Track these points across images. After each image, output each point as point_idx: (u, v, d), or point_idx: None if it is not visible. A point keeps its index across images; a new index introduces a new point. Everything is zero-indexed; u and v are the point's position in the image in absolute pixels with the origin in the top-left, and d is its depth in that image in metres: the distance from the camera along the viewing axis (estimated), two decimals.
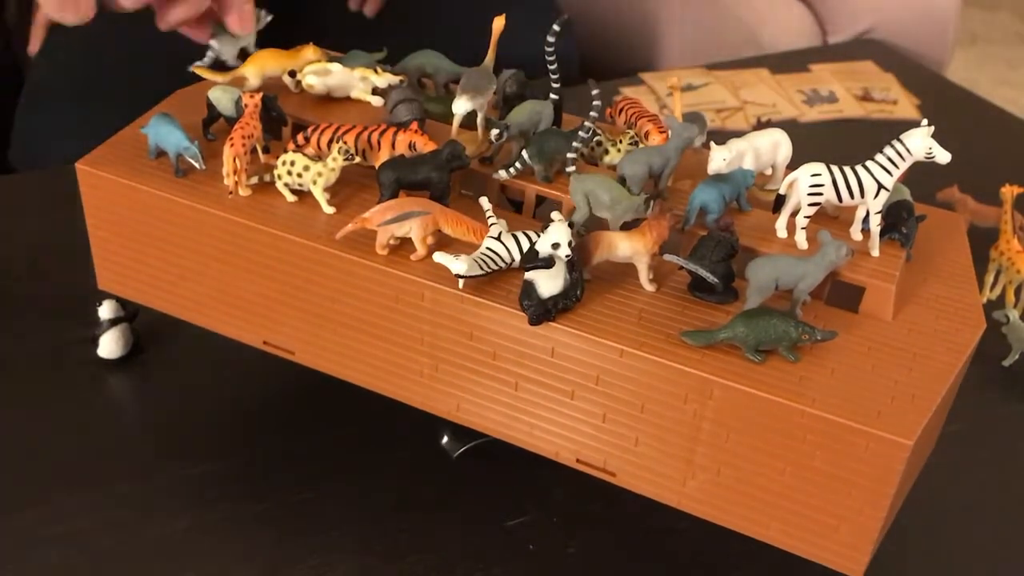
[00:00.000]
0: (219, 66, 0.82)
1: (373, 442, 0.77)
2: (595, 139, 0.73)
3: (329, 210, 0.68)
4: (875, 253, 0.66)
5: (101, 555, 0.69)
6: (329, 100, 0.78)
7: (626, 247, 0.63)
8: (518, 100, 0.74)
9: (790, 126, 1.20)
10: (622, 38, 1.60)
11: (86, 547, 0.69)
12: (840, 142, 1.22)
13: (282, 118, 0.73)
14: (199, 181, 0.71)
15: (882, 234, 0.66)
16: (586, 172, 0.68)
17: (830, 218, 0.69)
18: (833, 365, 0.59)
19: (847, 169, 0.64)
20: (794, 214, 0.66)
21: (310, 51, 0.79)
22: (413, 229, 0.64)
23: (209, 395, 0.82)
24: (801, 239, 0.66)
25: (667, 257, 0.62)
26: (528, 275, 0.60)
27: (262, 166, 0.72)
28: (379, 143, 0.71)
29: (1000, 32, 3.38)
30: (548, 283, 0.60)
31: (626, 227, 0.65)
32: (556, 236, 0.59)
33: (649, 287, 0.64)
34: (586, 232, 0.64)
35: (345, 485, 0.74)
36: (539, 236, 0.60)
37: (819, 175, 0.64)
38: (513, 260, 0.63)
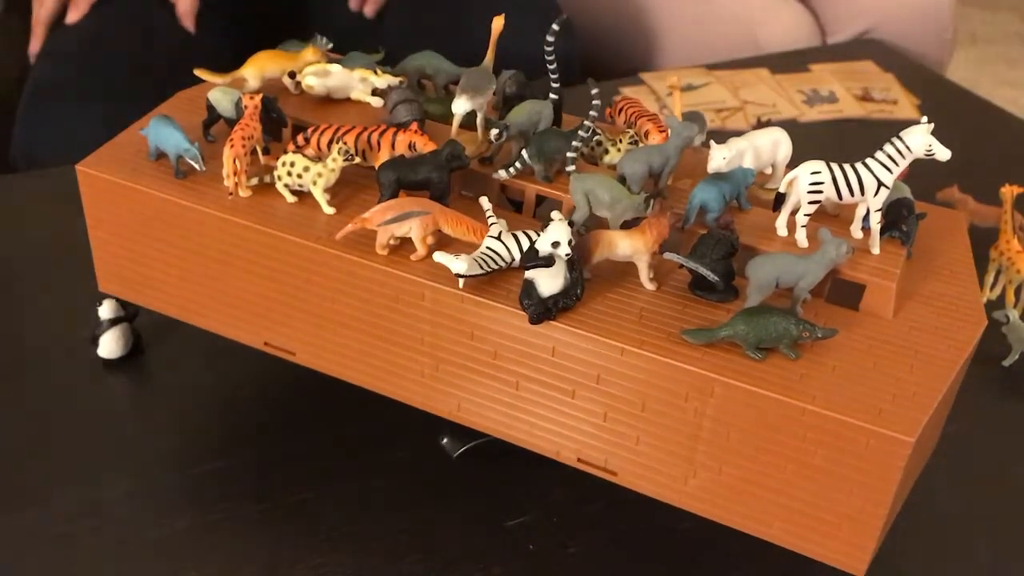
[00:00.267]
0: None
1: (373, 442, 0.77)
2: (595, 139, 0.73)
3: (329, 211, 0.68)
4: (875, 251, 0.66)
5: (101, 555, 0.69)
6: (329, 101, 0.78)
7: (626, 246, 0.63)
8: (518, 100, 0.74)
9: (790, 126, 1.20)
10: (622, 38, 1.60)
11: (86, 547, 0.69)
12: (840, 142, 1.22)
13: (282, 119, 0.73)
14: (199, 182, 0.71)
15: (882, 232, 0.66)
16: (586, 171, 0.68)
17: (830, 216, 0.69)
18: (834, 363, 0.59)
19: (847, 167, 0.64)
20: (794, 212, 0.66)
21: (310, 52, 0.79)
22: (413, 229, 0.64)
23: (209, 395, 0.82)
24: (801, 237, 0.66)
25: (667, 256, 0.62)
26: (528, 274, 0.60)
27: (262, 167, 0.72)
28: (379, 143, 0.71)
29: (1000, 32, 3.38)
30: (548, 282, 0.60)
31: (626, 226, 0.65)
32: (556, 235, 0.59)
33: (649, 286, 0.64)
34: (586, 231, 0.64)
35: (345, 485, 0.74)
36: (539, 235, 0.60)
37: (819, 173, 0.64)
38: (513, 259, 0.63)
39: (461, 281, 0.62)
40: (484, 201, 0.66)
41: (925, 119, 0.64)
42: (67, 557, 0.68)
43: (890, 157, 0.64)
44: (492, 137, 0.69)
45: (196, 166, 0.71)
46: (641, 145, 0.72)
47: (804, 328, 0.59)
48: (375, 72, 0.77)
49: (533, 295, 0.60)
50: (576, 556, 0.70)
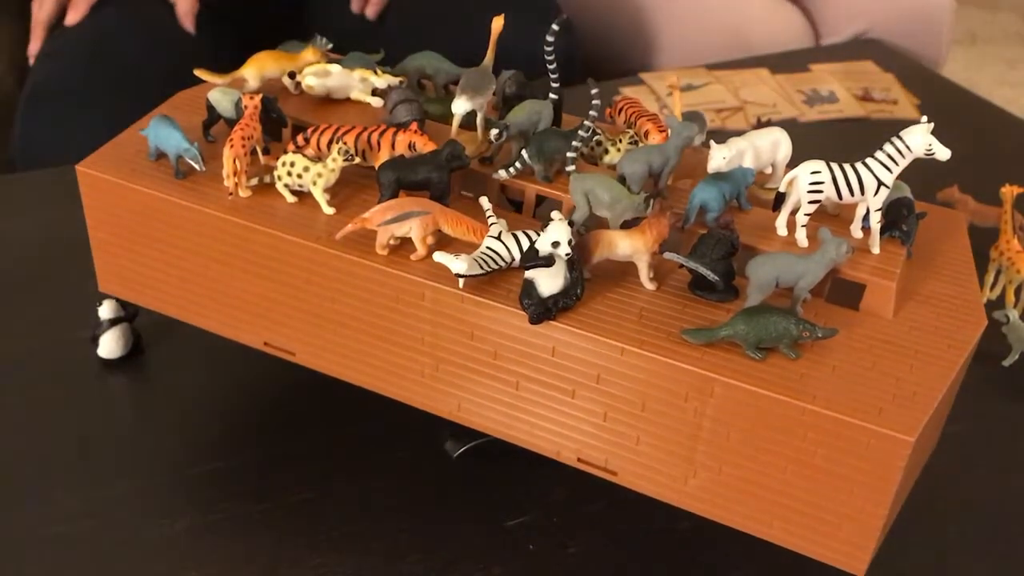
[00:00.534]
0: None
1: (373, 442, 0.77)
2: (595, 139, 0.73)
3: (329, 211, 0.68)
4: (875, 250, 0.66)
5: (101, 555, 0.69)
6: (329, 101, 0.78)
7: (626, 246, 0.63)
8: (518, 100, 0.74)
9: (790, 126, 1.20)
10: (622, 38, 1.60)
11: (86, 547, 0.69)
12: (840, 142, 1.22)
13: (282, 119, 0.73)
14: (199, 183, 0.71)
15: (882, 232, 0.66)
16: (586, 171, 0.68)
17: (830, 216, 0.69)
18: (834, 362, 0.59)
19: (847, 167, 0.64)
20: (794, 212, 0.66)
21: (310, 53, 0.79)
22: (413, 229, 0.64)
23: (209, 395, 0.82)
24: (801, 237, 0.66)
25: (667, 255, 0.62)
26: (528, 274, 0.60)
27: (262, 167, 0.72)
28: (379, 143, 0.71)
29: (1000, 32, 3.38)
30: (548, 282, 0.60)
31: (626, 226, 0.65)
32: (556, 235, 0.59)
33: (649, 285, 0.64)
34: (586, 231, 0.64)
35: (345, 485, 0.74)
36: (539, 235, 0.60)
37: (819, 172, 0.64)
38: (513, 259, 0.63)
39: (461, 281, 0.62)
40: (484, 201, 0.66)
41: (925, 119, 0.64)
42: (67, 557, 0.68)
43: (890, 157, 0.64)
44: (492, 137, 0.69)
45: (196, 166, 0.71)
46: (641, 145, 0.72)
47: (804, 328, 0.59)
48: (375, 72, 0.77)
49: (533, 295, 0.60)
50: (576, 556, 0.70)
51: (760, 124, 0.73)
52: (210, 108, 0.75)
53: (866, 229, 0.66)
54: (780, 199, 0.67)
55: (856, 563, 0.60)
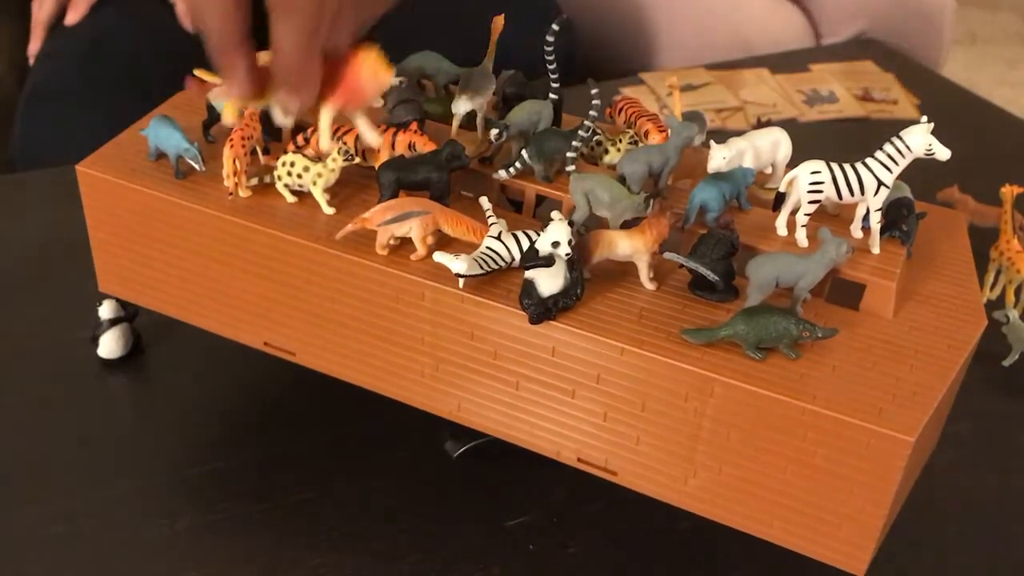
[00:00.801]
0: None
1: (373, 442, 0.77)
2: (595, 139, 0.73)
3: (329, 211, 0.68)
4: (875, 250, 0.66)
5: (101, 555, 0.69)
6: None
7: (626, 246, 0.63)
8: (518, 100, 0.74)
9: (790, 126, 1.20)
10: (622, 38, 1.60)
11: (86, 547, 0.69)
12: (840, 142, 1.22)
13: None
14: (199, 183, 0.71)
15: (882, 232, 0.66)
16: (586, 171, 0.68)
17: (830, 216, 0.69)
18: (834, 362, 0.59)
19: (847, 166, 0.64)
20: (794, 212, 0.66)
21: None
22: (413, 229, 0.64)
23: (209, 395, 0.82)
24: (801, 237, 0.66)
25: (667, 255, 0.62)
26: (528, 274, 0.60)
27: (262, 167, 0.72)
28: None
29: (1000, 32, 3.38)
30: (548, 282, 0.60)
31: (626, 226, 0.65)
32: (556, 235, 0.59)
33: (649, 285, 0.64)
34: (586, 231, 0.64)
35: (345, 485, 0.74)
36: (539, 235, 0.60)
37: (819, 172, 0.64)
38: (513, 259, 0.63)
39: (461, 281, 0.62)
40: (484, 201, 0.66)
41: (925, 119, 0.64)
42: (67, 557, 0.68)
43: (890, 157, 0.64)
44: (492, 137, 0.69)
45: (196, 166, 0.71)
46: (641, 145, 0.72)
47: (804, 328, 0.59)
48: None
49: (533, 295, 0.60)
50: (576, 556, 0.70)
51: (760, 124, 0.73)
52: (210, 108, 0.75)
53: (866, 229, 0.66)
54: (780, 199, 0.67)
55: (856, 563, 0.60)
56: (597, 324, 0.61)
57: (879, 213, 0.65)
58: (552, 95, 0.72)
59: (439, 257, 0.62)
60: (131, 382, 0.83)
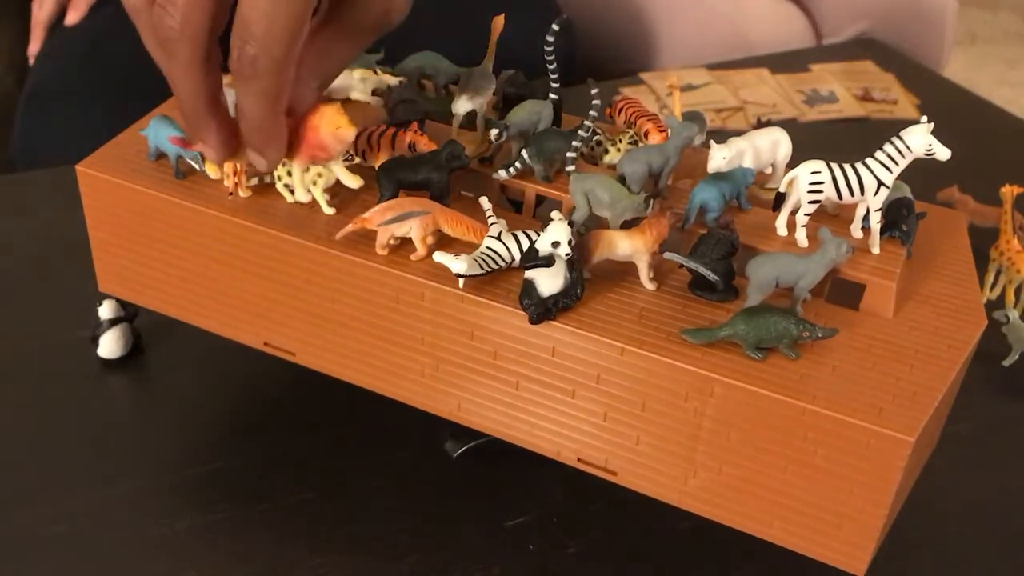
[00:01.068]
0: None
1: (373, 442, 0.77)
2: (595, 139, 0.73)
3: (329, 211, 0.68)
4: (875, 251, 0.66)
5: (101, 555, 0.69)
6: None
7: (626, 246, 0.63)
8: (518, 100, 0.74)
9: (790, 126, 1.20)
10: (622, 38, 1.60)
11: (86, 547, 0.69)
12: (840, 142, 1.22)
13: None
14: (199, 183, 0.71)
15: (882, 232, 0.66)
16: (586, 171, 0.68)
17: (830, 216, 0.69)
18: (834, 362, 0.59)
19: (847, 167, 0.64)
20: (794, 212, 0.66)
21: None
22: (413, 229, 0.64)
23: (209, 395, 0.82)
24: (801, 237, 0.66)
25: (667, 255, 0.62)
26: (528, 274, 0.60)
27: None
28: (379, 143, 0.70)
29: (1000, 32, 3.38)
30: (548, 282, 0.60)
31: (626, 226, 0.65)
32: (556, 235, 0.59)
33: (649, 285, 0.64)
34: (586, 231, 0.64)
35: (345, 485, 0.74)
36: (539, 235, 0.60)
37: (819, 172, 0.64)
38: (513, 259, 0.63)
39: (461, 281, 0.62)
40: (484, 201, 0.66)
41: (925, 119, 0.64)
42: (67, 557, 0.68)
43: (890, 157, 0.64)
44: (492, 137, 0.69)
45: (196, 166, 0.71)
46: (641, 145, 0.72)
47: (804, 328, 0.59)
48: (375, 72, 0.77)
49: (533, 295, 0.60)
50: (576, 556, 0.70)
51: (760, 124, 0.73)
52: None
53: (866, 229, 0.66)
54: (780, 199, 0.67)
55: (856, 563, 0.60)
56: (597, 324, 0.61)
57: (879, 213, 0.65)
58: (552, 95, 0.72)
59: (439, 257, 0.62)
60: (131, 382, 0.83)
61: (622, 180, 0.67)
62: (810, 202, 0.65)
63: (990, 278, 0.92)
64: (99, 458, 0.76)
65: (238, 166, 0.68)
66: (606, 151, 0.73)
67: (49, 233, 0.98)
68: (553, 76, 0.71)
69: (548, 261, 0.59)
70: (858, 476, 0.57)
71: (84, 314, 0.84)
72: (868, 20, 1.59)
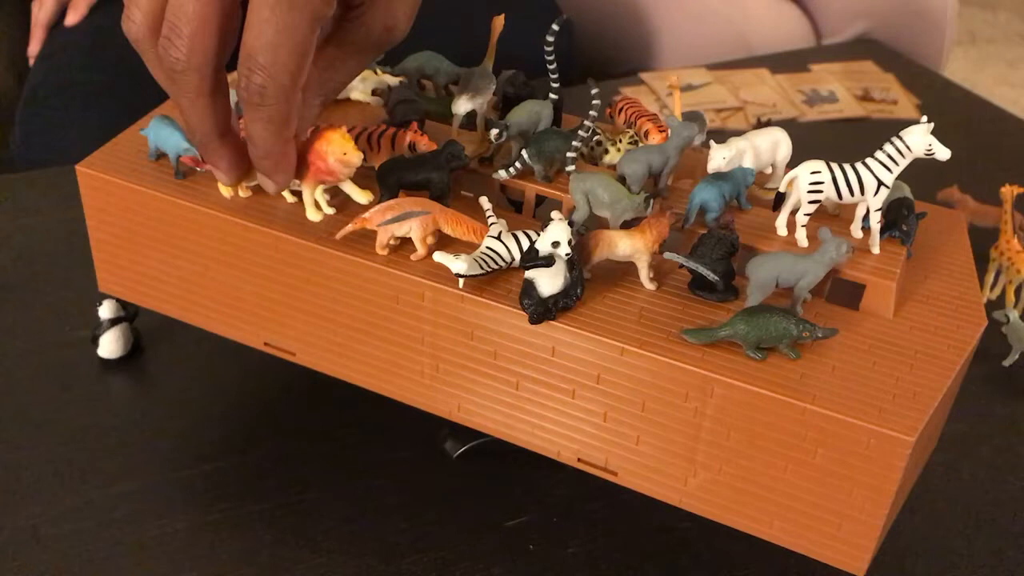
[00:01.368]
0: None
1: (373, 442, 0.77)
2: (595, 139, 0.73)
3: (329, 211, 0.68)
4: (876, 250, 0.66)
5: (101, 555, 0.69)
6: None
7: (626, 246, 0.63)
8: (518, 100, 0.74)
9: (790, 126, 1.20)
10: (622, 38, 1.61)
11: (86, 547, 0.69)
12: (840, 142, 1.22)
13: None
14: (199, 182, 0.71)
15: (882, 232, 0.66)
16: (586, 171, 0.68)
17: (830, 216, 0.69)
18: (834, 362, 0.59)
19: (847, 167, 0.64)
20: (794, 212, 0.66)
21: None
22: (413, 229, 0.64)
23: (209, 395, 0.82)
24: (801, 237, 0.66)
25: (667, 255, 0.62)
26: (528, 274, 0.60)
27: None
28: (379, 143, 0.71)
29: (1000, 32, 3.38)
30: (548, 282, 0.60)
31: (626, 226, 0.65)
32: (556, 235, 0.59)
33: (649, 285, 0.64)
34: (586, 231, 0.64)
35: (345, 485, 0.74)
36: (539, 235, 0.60)
37: (819, 172, 0.64)
38: (513, 259, 0.63)
39: (461, 281, 0.62)
40: (484, 201, 0.66)
41: (925, 119, 0.64)
42: (67, 557, 0.68)
43: (890, 157, 0.64)
44: (492, 137, 0.69)
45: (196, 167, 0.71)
46: (641, 145, 0.72)
47: (804, 328, 0.59)
48: (375, 71, 0.77)
49: (533, 295, 0.60)
50: (576, 556, 0.70)
51: (760, 124, 0.73)
52: None
53: (866, 229, 0.66)
54: (780, 199, 0.67)
55: (856, 563, 0.60)
56: (597, 324, 0.61)
57: (879, 213, 0.65)
58: (552, 95, 0.72)
59: (439, 257, 0.62)
60: (131, 382, 0.83)
61: (622, 180, 0.67)
62: (810, 202, 0.65)
63: (990, 278, 0.92)
64: (99, 458, 0.76)
65: None
66: (606, 151, 0.73)
67: (49, 233, 0.98)
68: (553, 76, 0.71)
69: (548, 261, 0.59)
70: (858, 476, 0.57)
71: (84, 314, 0.84)
72: (868, 20, 1.59)
